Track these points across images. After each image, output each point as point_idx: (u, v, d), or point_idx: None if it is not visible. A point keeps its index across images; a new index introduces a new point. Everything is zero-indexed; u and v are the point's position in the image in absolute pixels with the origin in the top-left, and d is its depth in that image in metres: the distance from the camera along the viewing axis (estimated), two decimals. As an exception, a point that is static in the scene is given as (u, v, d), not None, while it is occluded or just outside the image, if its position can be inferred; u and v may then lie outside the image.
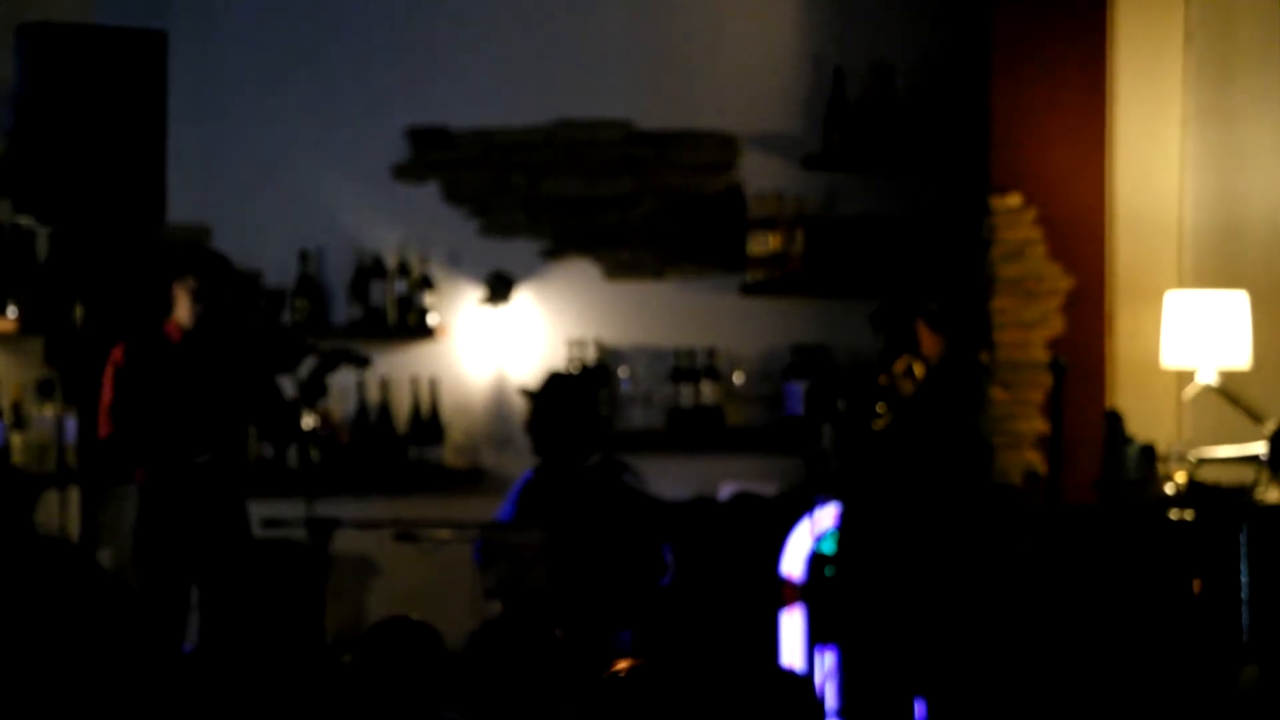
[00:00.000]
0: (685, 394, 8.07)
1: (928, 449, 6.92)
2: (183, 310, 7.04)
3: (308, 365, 7.22)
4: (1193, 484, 6.95)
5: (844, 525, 7.02)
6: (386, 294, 8.12)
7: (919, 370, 6.94)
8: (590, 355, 8.08)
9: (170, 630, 6.91)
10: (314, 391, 7.07)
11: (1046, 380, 7.08)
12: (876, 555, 6.90)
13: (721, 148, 8.16)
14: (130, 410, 6.95)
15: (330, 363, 7.09)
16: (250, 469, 7.38)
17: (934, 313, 7.04)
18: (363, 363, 7.23)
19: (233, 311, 7.25)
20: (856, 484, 6.99)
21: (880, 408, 6.87)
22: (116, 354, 7.02)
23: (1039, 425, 7.38)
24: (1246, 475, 7.00)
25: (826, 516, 7.18)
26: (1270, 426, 7.00)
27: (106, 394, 6.98)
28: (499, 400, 8.16)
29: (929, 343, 7.03)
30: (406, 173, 8.25)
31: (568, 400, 6.96)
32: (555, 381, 7.03)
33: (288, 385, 7.31)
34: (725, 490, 7.88)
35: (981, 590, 6.81)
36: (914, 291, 7.34)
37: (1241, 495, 6.89)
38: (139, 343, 7.03)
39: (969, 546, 6.85)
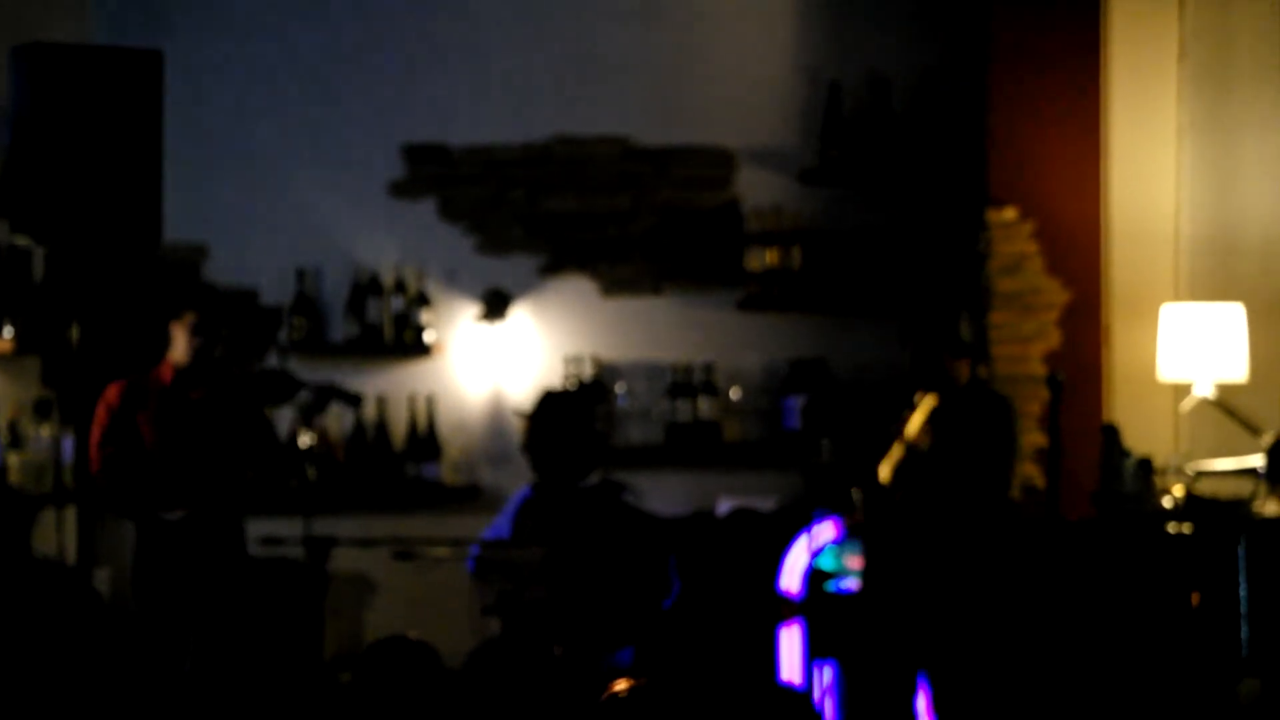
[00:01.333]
0: (683, 409, 8.07)
1: (966, 468, 6.89)
2: (180, 348, 7.03)
3: (301, 400, 7.26)
4: (1190, 497, 6.95)
5: (873, 549, 6.98)
6: (383, 311, 8.12)
7: (929, 403, 6.85)
8: (587, 371, 8.08)
9: (171, 654, 6.91)
10: (311, 429, 7.11)
11: (1044, 394, 7.07)
12: (905, 573, 6.86)
13: (718, 163, 8.17)
14: (121, 451, 6.95)
15: (321, 401, 7.10)
16: (247, 492, 7.36)
17: (958, 342, 6.98)
18: (355, 401, 7.24)
19: (228, 346, 7.26)
20: (891, 507, 6.95)
21: (885, 471, 6.83)
22: (111, 394, 7.00)
23: (1037, 439, 7.38)
24: (1244, 488, 7.00)
25: (825, 531, 7.18)
26: (1268, 439, 7.00)
27: (96, 433, 6.98)
28: (496, 417, 8.16)
29: (955, 367, 6.97)
30: (403, 190, 8.25)
31: (565, 417, 6.95)
32: (552, 399, 7.02)
33: (282, 415, 7.34)
34: (723, 505, 7.88)
35: (981, 602, 6.80)
36: (942, 309, 7.30)
37: (1239, 508, 6.89)
38: (132, 388, 7.02)
39: (976, 559, 6.85)
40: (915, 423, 6.87)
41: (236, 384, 7.19)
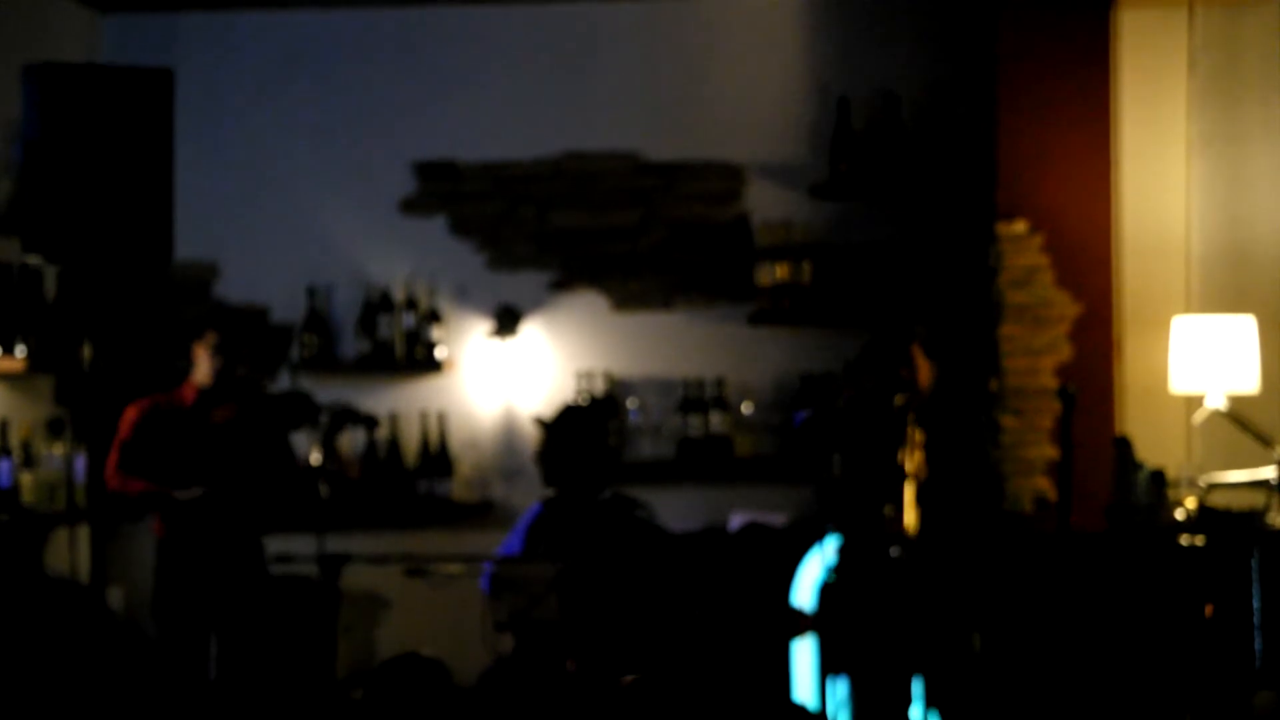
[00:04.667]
0: (694, 424, 8.07)
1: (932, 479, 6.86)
2: (203, 369, 7.06)
3: (321, 426, 7.27)
4: (1203, 509, 6.94)
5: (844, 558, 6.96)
6: (394, 328, 8.13)
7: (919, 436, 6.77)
8: (599, 387, 8.09)
9: (191, 672, 6.91)
10: (325, 450, 7.12)
11: (1056, 407, 7.05)
12: (880, 584, 6.85)
13: (728, 178, 8.17)
14: (138, 470, 6.97)
15: (337, 424, 7.12)
16: (265, 509, 7.36)
17: (925, 337, 6.92)
18: (371, 424, 7.26)
19: (249, 366, 7.28)
20: (861, 516, 6.93)
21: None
22: (131, 414, 7.03)
23: (1049, 452, 7.37)
24: (1257, 500, 6.99)
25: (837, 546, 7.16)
26: (1280, 450, 7.00)
27: (114, 454, 7.00)
28: (508, 433, 8.16)
29: (923, 370, 6.90)
30: (414, 206, 8.27)
31: (578, 432, 6.96)
32: (567, 413, 7.03)
33: (299, 441, 7.35)
34: (735, 520, 7.87)
35: (994, 615, 6.79)
36: (901, 322, 7.27)
37: (1252, 520, 6.88)
38: (153, 409, 7.04)
39: (978, 574, 6.83)
40: (916, 457, 6.78)
41: (258, 406, 7.20)
